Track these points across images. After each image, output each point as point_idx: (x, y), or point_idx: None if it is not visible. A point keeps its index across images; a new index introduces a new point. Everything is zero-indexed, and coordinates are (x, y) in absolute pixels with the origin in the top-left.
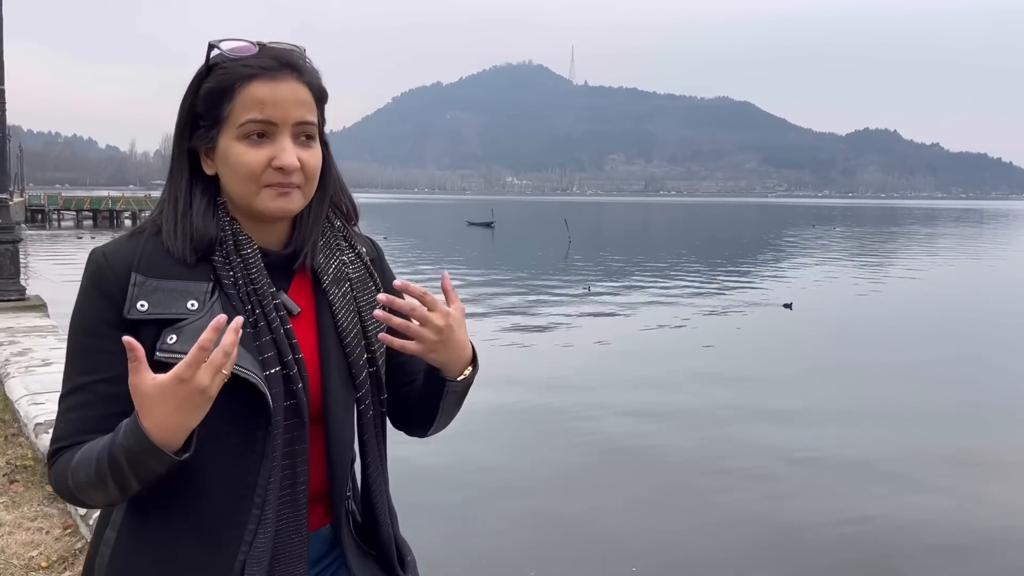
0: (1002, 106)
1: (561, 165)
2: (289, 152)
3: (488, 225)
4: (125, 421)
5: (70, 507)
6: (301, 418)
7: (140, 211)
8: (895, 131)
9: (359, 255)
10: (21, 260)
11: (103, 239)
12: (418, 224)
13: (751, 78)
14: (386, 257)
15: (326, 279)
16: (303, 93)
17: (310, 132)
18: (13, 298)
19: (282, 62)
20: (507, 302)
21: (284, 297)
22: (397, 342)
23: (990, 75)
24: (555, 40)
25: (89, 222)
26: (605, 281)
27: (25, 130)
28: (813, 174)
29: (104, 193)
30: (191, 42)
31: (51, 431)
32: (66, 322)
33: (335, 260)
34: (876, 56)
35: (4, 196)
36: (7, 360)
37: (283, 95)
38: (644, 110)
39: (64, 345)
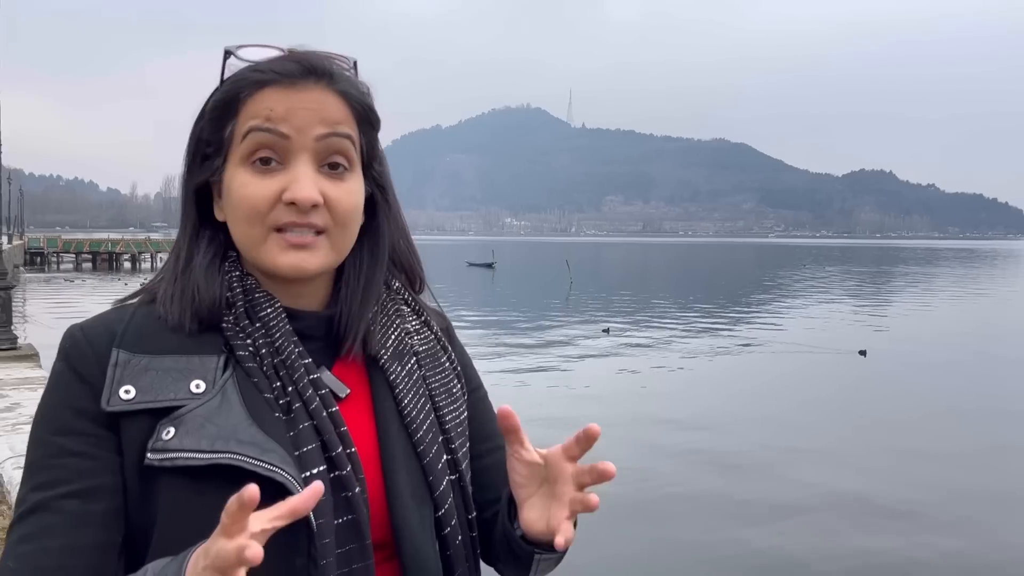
0: (997, 146)
1: (560, 206)
2: (304, 181)
3: (489, 266)
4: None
5: None
6: (361, 541)
7: (139, 253)
8: (891, 172)
9: (426, 323)
10: (17, 306)
11: (100, 282)
12: None
13: (747, 120)
14: None
15: (384, 353)
16: (333, 105)
17: (341, 154)
18: (4, 347)
19: (307, 67)
20: (516, 343)
21: (326, 374)
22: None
23: (985, 115)
24: (553, 84)
25: (88, 264)
26: (616, 320)
27: (27, 173)
28: (810, 214)
29: (104, 235)
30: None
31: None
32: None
33: (395, 328)
34: (871, 97)
35: None
36: None
37: (302, 103)
38: (642, 152)
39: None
